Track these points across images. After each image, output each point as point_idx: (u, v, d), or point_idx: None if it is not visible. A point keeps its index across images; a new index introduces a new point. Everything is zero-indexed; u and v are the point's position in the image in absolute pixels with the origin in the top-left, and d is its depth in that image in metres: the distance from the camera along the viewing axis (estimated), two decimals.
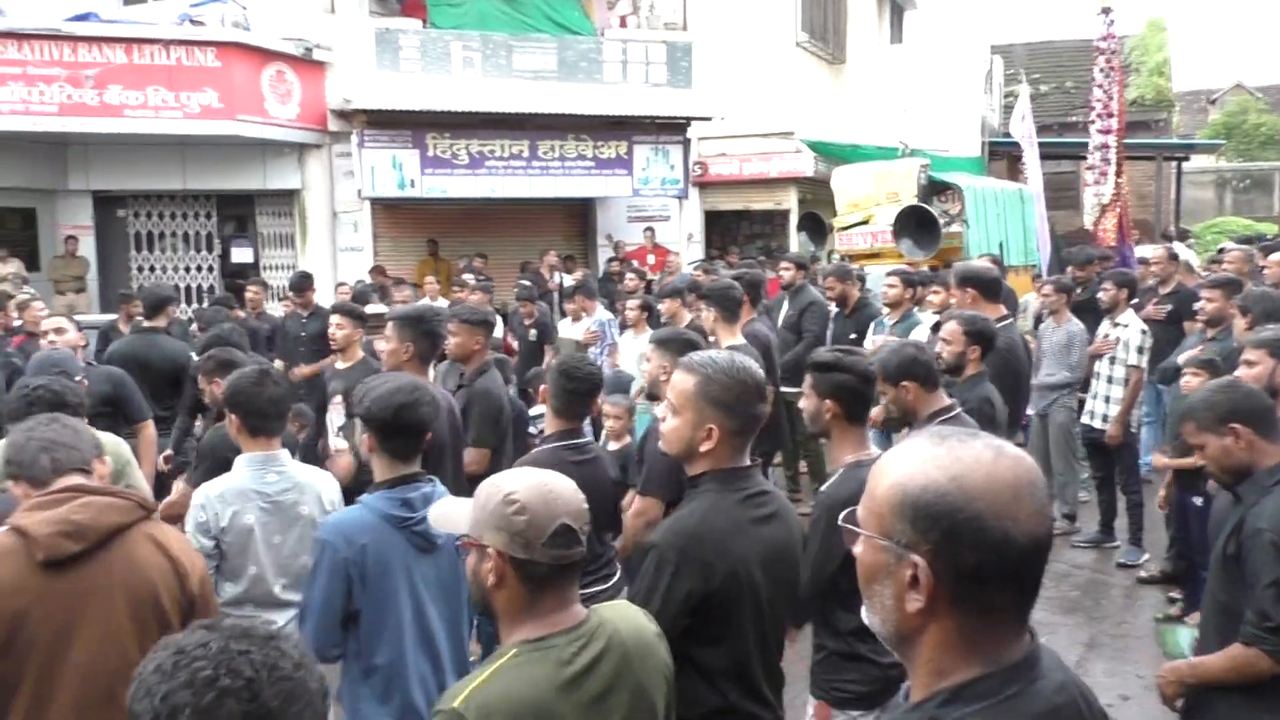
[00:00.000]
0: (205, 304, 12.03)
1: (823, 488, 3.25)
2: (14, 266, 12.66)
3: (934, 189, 11.44)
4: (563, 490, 1.95)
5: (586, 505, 1.99)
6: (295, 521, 3.48)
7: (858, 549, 1.36)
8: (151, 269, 14.40)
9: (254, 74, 12.95)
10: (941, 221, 10.80)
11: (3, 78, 11.80)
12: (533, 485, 1.93)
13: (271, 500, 3.46)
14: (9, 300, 8.01)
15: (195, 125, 12.55)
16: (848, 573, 3.05)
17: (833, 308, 8.25)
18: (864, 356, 3.27)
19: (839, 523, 1.42)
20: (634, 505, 3.95)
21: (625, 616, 2.06)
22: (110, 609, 2.42)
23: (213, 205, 14.53)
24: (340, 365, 6.12)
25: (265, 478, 3.48)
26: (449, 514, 2.16)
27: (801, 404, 3.31)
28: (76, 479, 2.54)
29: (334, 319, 6.20)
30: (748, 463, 2.63)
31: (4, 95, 11.80)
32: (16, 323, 8.15)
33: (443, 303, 10.36)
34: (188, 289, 14.35)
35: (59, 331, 5.94)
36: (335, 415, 6.07)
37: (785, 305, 8.37)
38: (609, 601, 2.27)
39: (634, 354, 7.65)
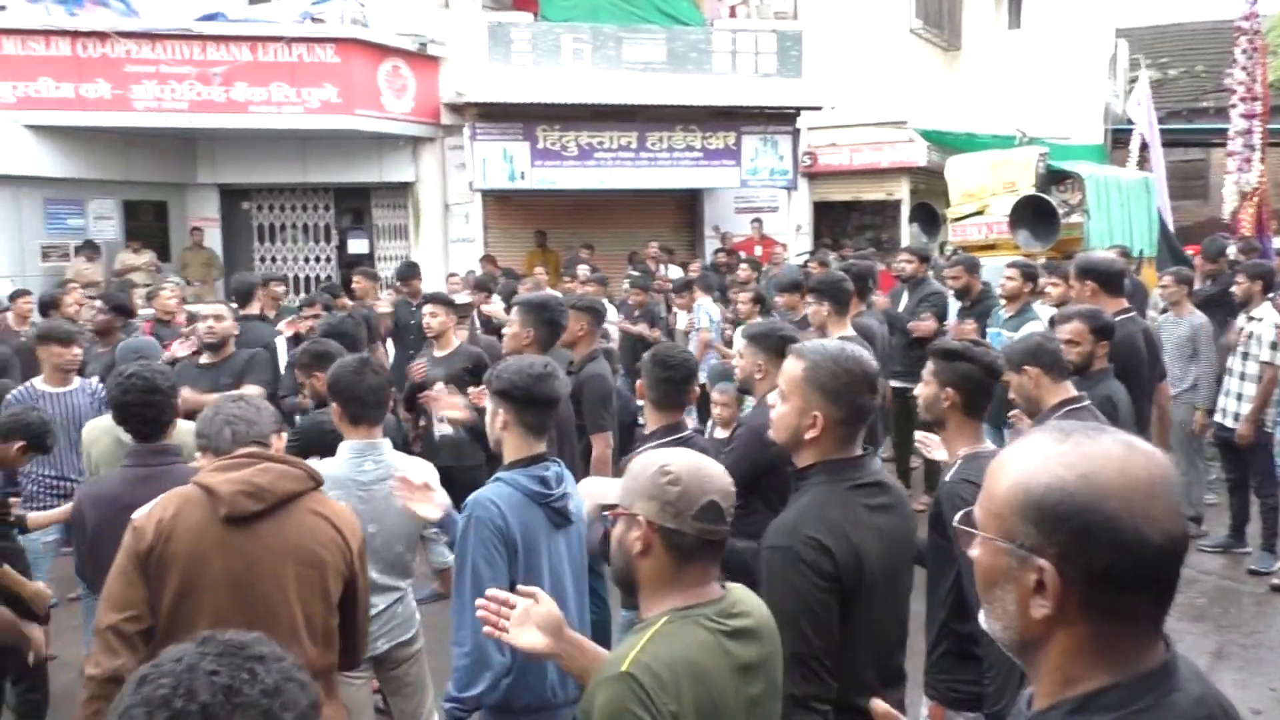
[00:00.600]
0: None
1: (944, 478, 3.15)
2: (147, 257, 13.25)
3: (1053, 178, 11.05)
4: (714, 470, 2.03)
5: (733, 489, 2.03)
6: (390, 510, 3.54)
7: (974, 552, 1.30)
8: (273, 259, 14.91)
9: (371, 69, 13.27)
10: (1061, 212, 10.43)
11: (137, 76, 12.35)
12: (687, 460, 2.01)
13: (365, 489, 3.52)
14: (134, 289, 8.38)
15: (315, 120, 12.94)
16: (965, 568, 2.97)
17: (953, 299, 8.03)
18: (990, 349, 3.16)
19: (954, 525, 1.36)
20: None
21: (753, 597, 2.10)
22: (280, 569, 2.57)
23: (331, 198, 14.96)
24: (438, 353, 6.23)
25: (362, 466, 3.55)
26: (599, 488, 2.31)
27: (918, 389, 3.23)
28: (255, 449, 2.74)
29: (428, 308, 6.34)
30: (859, 453, 2.57)
31: (138, 93, 12.35)
32: (145, 311, 8.53)
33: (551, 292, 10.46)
34: (306, 279, 14.81)
35: (218, 318, 6.15)
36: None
37: (905, 297, 8.19)
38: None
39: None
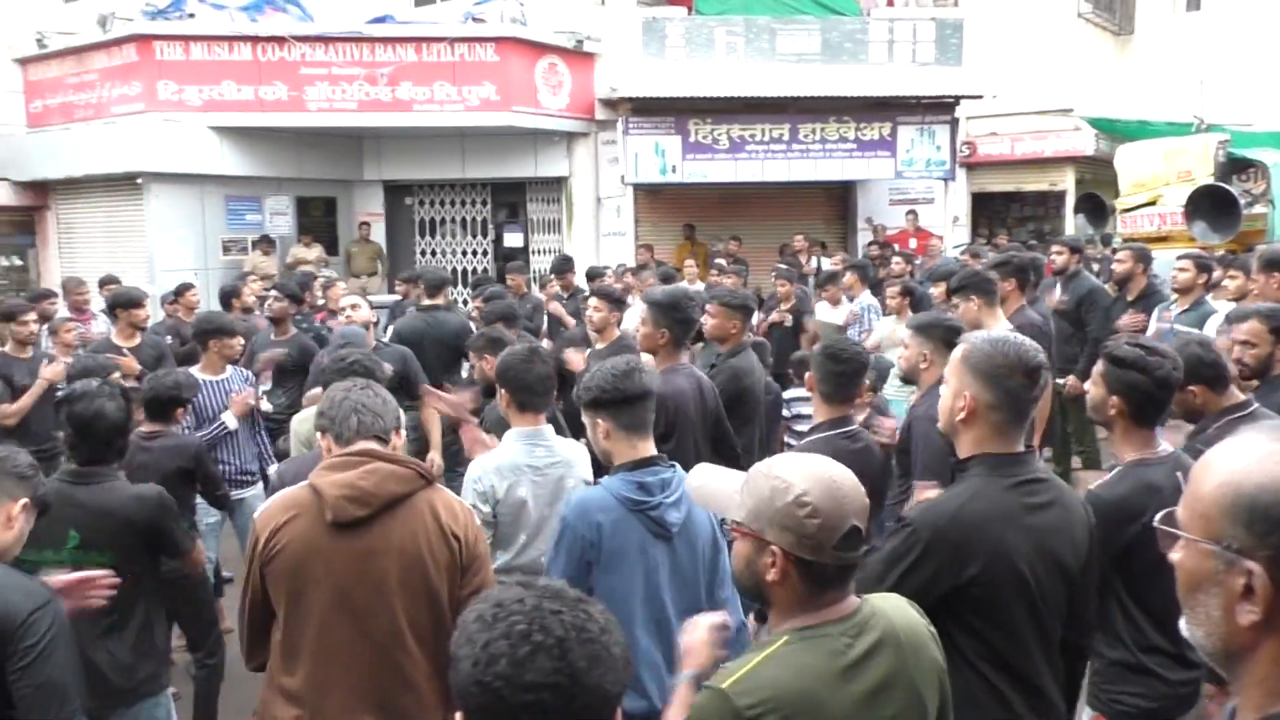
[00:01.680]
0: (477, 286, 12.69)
1: (1093, 485, 3.03)
2: (316, 251, 13.92)
3: (1234, 166, 10.41)
4: (849, 487, 1.88)
5: (868, 500, 1.93)
6: (561, 494, 3.59)
7: (1176, 555, 1.24)
8: (433, 253, 15.43)
9: (529, 67, 13.56)
10: (1242, 202, 9.79)
11: (311, 78, 12.97)
12: (822, 483, 1.86)
13: (541, 473, 3.59)
14: (314, 281, 8.80)
15: (474, 117, 13.32)
16: (1129, 577, 2.84)
17: (1110, 290, 7.66)
18: (1168, 358, 2.94)
19: (1154, 524, 1.29)
20: (916, 495, 3.83)
21: (897, 608, 1.99)
22: (384, 573, 2.58)
23: (488, 193, 15.37)
24: (599, 346, 6.29)
25: (535, 452, 3.61)
26: (712, 491, 2.13)
27: (1086, 386, 3.10)
28: (372, 445, 2.71)
29: (591, 302, 6.38)
30: (1021, 449, 2.49)
31: (312, 94, 12.98)
32: (320, 301, 8.96)
33: (700, 286, 10.47)
34: (464, 271, 15.26)
35: (354, 308, 6.46)
36: None
37: (1058, 290, 7.85)
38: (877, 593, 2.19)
39: (895, 340, 7.42)
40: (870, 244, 14.24)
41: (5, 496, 2.53)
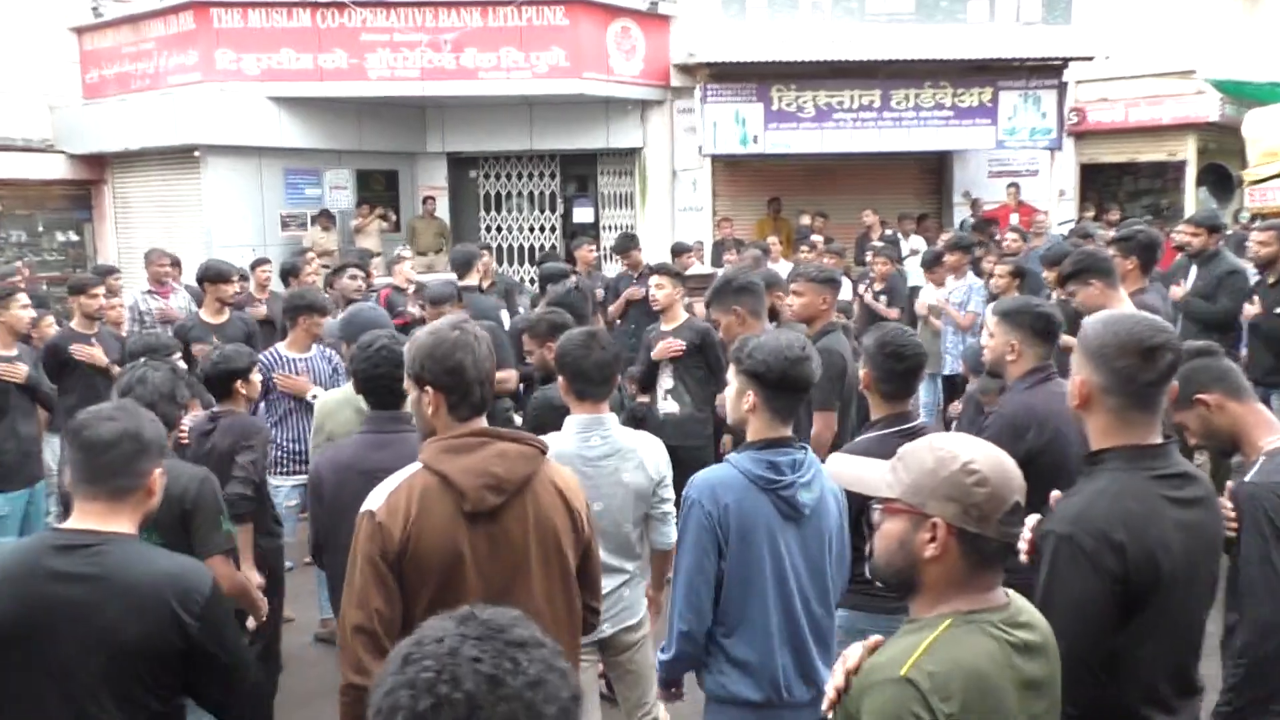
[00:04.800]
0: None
1: (1246, 477, 2.90)
2: (376, 225, 14.06)
3: None
4: (1012, 465, 1.92)
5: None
6: (617, 488, 3.58)
7: None
8: (499, 228, 15.52)
9: (600, 31, 13.53)
10: None
11: (372, 45, 13.10)
12: (988, 455, 1.90)
13: (592, 465, 3.57)
14: (373, 259, 8.88)
15: (543, 85, 13.34)
16: None
17: (1252, 273, 7.33)
18: None
19: None
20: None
21: (1033, 608, 2.01)
22: (523, 556, 2.62)
23: (556, 165, 15.40)
24: (665, 327, 6.27)
25: (589, 441, 3.60)
26: (858, 472, 2.12)
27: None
28: (484, 421, 2.67)
29: (654, 279, 6.38)
30: (1159, 439, 2.41)
31: (373, 62, 13.11)
32: (384, 279, 9.05)
33: (784, 264, 10.36)
34: (531, 248, 15.32)
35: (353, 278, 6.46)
36: (663, 379, 6.23)
37: (1194, 273, 7.54)
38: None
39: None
40: (965, 221, 13.99)
41: (153, 463, 2.56)
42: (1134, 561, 2.26)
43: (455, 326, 2.69)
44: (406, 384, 2.73)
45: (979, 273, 9.27)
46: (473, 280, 7.57)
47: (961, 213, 14.82)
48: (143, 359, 3.80)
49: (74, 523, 2.47)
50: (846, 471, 2.19)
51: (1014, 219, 13.66)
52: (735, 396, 3.08)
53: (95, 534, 2.43)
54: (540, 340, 4.87)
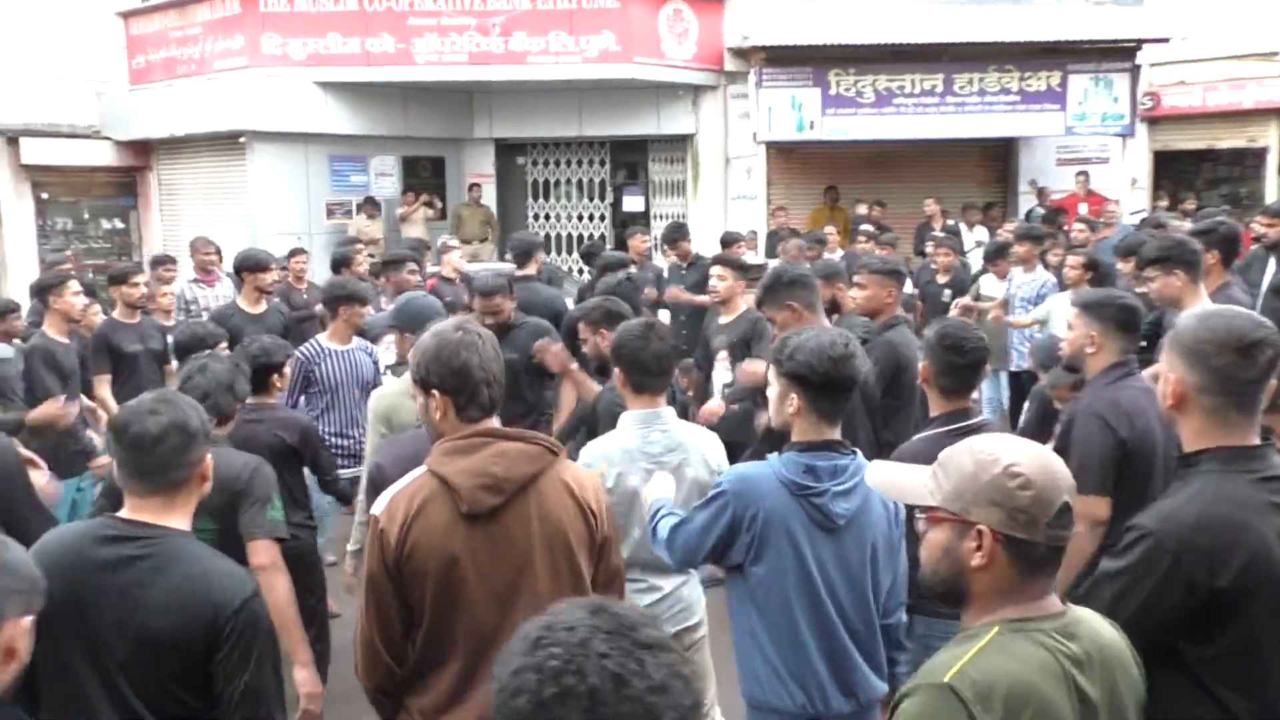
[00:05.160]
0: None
1: None
2: (422, 213, 14.16)
3: None
4: (1058, 464, 1.88)
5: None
6: (680, 484, 3.56)
7: None
8: (546, 217, 15.59)
9: (652, 14, 13.52)
10: None
11: (419, 29, 13.20)
12: (1031, 456, 1.86)
13: (656, 461, 3.55)
14: (428, 250, 8.94)
15: (593, 69, 13.36)
16: None
17: None
18: None
19: None
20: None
21: (1099, 619, 1.96)
22: (526, 559, 2.60)
23: (606, 152, 15.43)
24: (722, 319, 6.23)
25: (650, 437, 3.58)
26: (897, 480, 2.10)
27: None
28: (495, 422, 2.68)
29: (715, 270, 6.32)
30: (1257, 441, 2.37)
31: (420, 47, 13.21)
32: (433, 268, 9.11)
33: (840, 255, 10.29)
34: (580, 237, 15.35)
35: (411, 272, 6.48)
36: (722, 371, 6.21)
37: (1272, 266, 7.38)
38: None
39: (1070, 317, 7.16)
40: (1030, 210, 13.80)
41: (201, 450, 2.59)
42: (1224, 569, 2.22)
43: (459, 327, 2.68)
44: (413, 390, 2.72)
45: (1046, 265, 9.14)
46: (532, 270, 7.57)
47: (1027, 202, 14.61)
48: (207, 350, 3.87)
49: (129, 514, 2.50)
50: (885, 479, 2.15)
51: (1083, 209, 13.46)
52: (778, 400, 3.05)
53: (148, 526, 2.46)
54: (594, 327, 4.85)
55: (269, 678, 2.50)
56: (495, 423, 2.68)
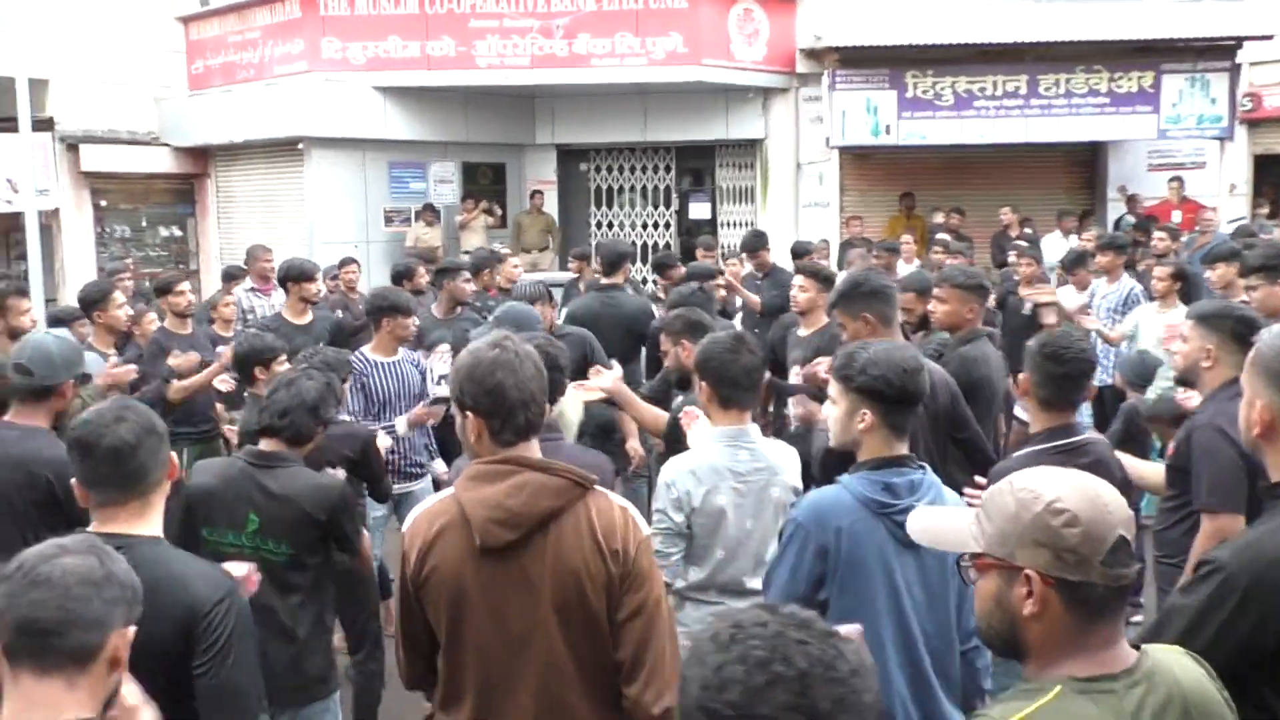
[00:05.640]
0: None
1: None
2: (482, 220, 14.29)
3: None
4: (1109, 493, 1.79)
5: (1131, 511, 1.82)
6: (766, 505, 3.55)
7: None
8: (610, 224, 15.65)
9: (721, 14, 13.54)
10: None
11: (481, 32, 13.35)
12: (1077, 489, 1.78)
13: (744, 480, 3.54)
14: (499, 263, 8.99)
15: (659, 72, 13.42)
16: None
17: None
18: None
19: None
20: (1204, 526, 3.62)
21: (1182, 665, 1.85)
22: (539, 598, 2.54)
23: (671, 157, 15.46)
24: (802, 332, 6.19)
25: (737, 455, 3.56)
26: (940, 526, 2.06)
27: None
28: (533, 446, 2.62)
29: (797, 280, 6.28)
30: None
31: (481, 49, 13.36)
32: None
33: (917, 265, 10.19)
34: (643, 246, 15.39)
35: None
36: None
37: None
38: (1161, 645, 2.05)
39: (1159, 331, 7.03)
40: (1120, 218, 13.60)
41: (167, 447, 2.69)
42: None
43: (496, 344, 2.60)
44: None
45: (1135, 275, 8.99)
46: (619, 279, 7.59)
47: (1116, 209, 14.38)
48: (304, 365, 3.93)
49: (101, 528, 2.54)
50: (925, 526, 2.11)
51: (1176, 216, 13.23)
52: (845, 417, 3.02)
53: (123, 537, 2.50)
54: (675, 339, 4.84)
55: (245, 675, 2.58)
56: (533, 447, 2.61)
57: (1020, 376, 3.82)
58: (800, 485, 3.70)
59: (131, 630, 1.97)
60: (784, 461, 3.66)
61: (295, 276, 7.32)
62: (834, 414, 3.08)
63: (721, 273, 8.76)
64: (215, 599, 2.55)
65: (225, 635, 2.54)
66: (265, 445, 3.77)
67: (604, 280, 7.63)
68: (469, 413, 2.56)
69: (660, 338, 5.04)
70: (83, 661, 1.89)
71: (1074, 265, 8.96)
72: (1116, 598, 1.76)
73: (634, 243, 15.40)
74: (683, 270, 8.41)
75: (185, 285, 7.13)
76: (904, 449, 3.03)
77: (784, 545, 2.97)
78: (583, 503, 2.58)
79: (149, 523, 2.60)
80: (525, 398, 2.55)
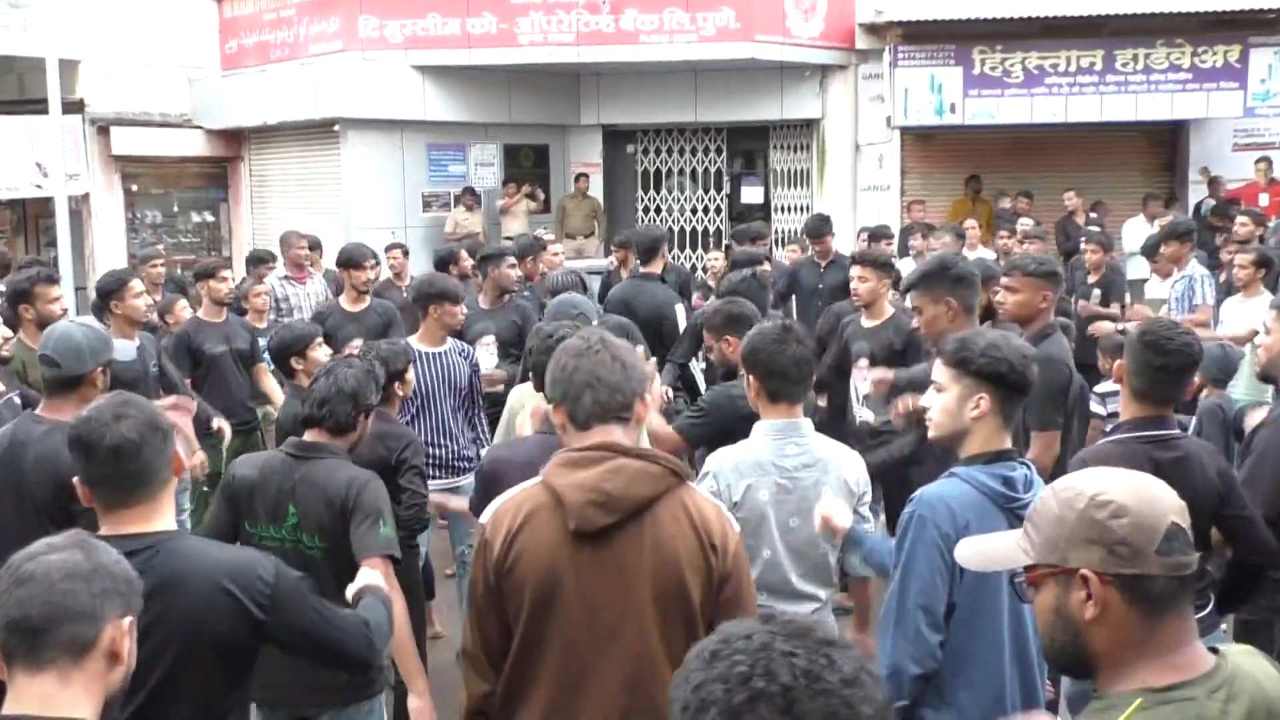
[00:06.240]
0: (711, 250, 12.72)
1: None
2: (524, 205, 14.35)
3: None
4: (1157, 485, 1.82)
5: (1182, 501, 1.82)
6: (814, 503, 3.52)
7: None
8: (658, 209, 15.64)
9: None
10: None
11: (524, 8, 13.39)
12: (1121, 481, 1.81)
13: (790, 476, 3.54)
14: (543, 250, 9.03)
15: (710, 49, 13.38)
16: None
17: None
18: None
19: None
20: None
21: (1262, 667, 1.84)
22: (635, 588, 2.60)
23: (723, 139, 15.43)
24: (866, 323, 6.17)
25: (784, 449, 3.56)
26: (988, 546, 2.07)
27: None
28: (614, 428, 2.70)
29: (856, 270, 6.24)
30: None
31: (524, 27, 13.40)
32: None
33: (984, 252, 10.12)
34: (693, 232, 15.38)
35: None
36: (860, 382, 6.15)
37: None
38: (1236, 645, 2.03)
39: (1243, 323, 6.93)
40: (1200, 202, 13.43)
41: (172, 444, 2.69)
42: None
43: (582, 335, 2.80)
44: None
45: (1217, 263, 8.89)
46: (656, 268, 7.62)
47: (1198, 193, 14.18)
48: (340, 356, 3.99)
49: (113, 530, 2.55)
50: (973, 551, 2.11)
51: (1263, 200, 13.03)
52: (956, 403, 2.99)
53: (142, 536, 2.54)
54: (717, 333, 4.83)
55: (337, 623, 2.74)
56: (620, 435, 2.69)
57: (1116, 363, 3.82)
58: (866, 488, 3.68)
59: (128, 621, 2.02)
60: (840, 459, 3.64)
61: (343, 263, 7.41)
62: (941, 401, 3.04)
63: (769, 257, 8.75)
64: (265, 575, 2.60)
65: (290, 605, 2.61)
66: (308, 436, 3.83)
67: (643, 269, 7.64)
68: (551, 404, 2.77)
69: (705, 333, 5.03)
70: (76, 655, 1.95)
71: (1153, 252, 8.86)
72: (1180, 590, 1.76)
73: (682, 228, 15.41)
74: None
75: (228, 272, 7.23)
76: (1009, 442, 3.04)
77: (911, 546, 2.91)
78: (678, 493, 2.67)
79: (164, 519, 2.63)
80: (609, 384, 2.68)
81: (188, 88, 15.09)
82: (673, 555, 2.60)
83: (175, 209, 15.55)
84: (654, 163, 15.73)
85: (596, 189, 15.33)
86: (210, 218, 15.78)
